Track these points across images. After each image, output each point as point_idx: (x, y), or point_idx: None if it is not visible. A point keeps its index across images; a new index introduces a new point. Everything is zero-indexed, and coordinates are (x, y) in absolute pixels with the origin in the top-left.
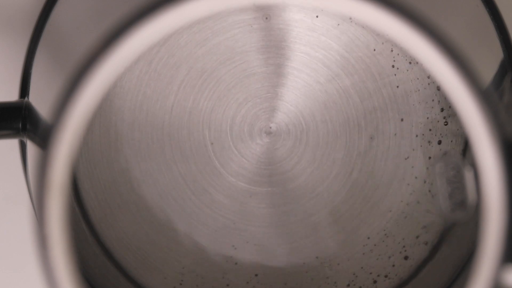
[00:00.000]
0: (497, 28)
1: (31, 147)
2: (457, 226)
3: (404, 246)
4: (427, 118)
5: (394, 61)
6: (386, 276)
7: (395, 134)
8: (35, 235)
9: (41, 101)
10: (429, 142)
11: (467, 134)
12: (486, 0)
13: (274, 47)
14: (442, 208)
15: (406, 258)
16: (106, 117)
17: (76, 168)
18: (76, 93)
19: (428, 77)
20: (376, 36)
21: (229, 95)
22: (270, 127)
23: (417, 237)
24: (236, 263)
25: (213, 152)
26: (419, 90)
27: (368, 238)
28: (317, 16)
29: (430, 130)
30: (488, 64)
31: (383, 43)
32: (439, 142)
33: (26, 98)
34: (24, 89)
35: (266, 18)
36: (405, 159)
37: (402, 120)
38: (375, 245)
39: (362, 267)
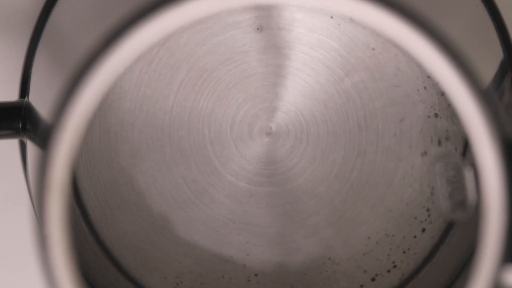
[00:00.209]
0: (497, 28)
1: (31, 147)
2: (457, 226)
3: (404, 246)
4: (427, 118)
5: (394, 61)
6: (386, 276)
7: (395, 134)
8: (35, 235)
9: (41, 101)
10: (429, 142)
11: (467, 134)
12: (486, 0)
13: (274, 47)
14: (442, 208)
15: (406, 258)
16: (106, 117)
17: (76, 168)
18: (76, 93)
19: (428, 77)
20: (376, 36)
21: (229, 95)
22: (270, 127)
23: (417, 237)
24: (236, 263)
25: (213, 152)
26: (419, 90)
27: (368, 238)
28: (331, 17)
29: (430, 130)
30: (488, 64)
31: (383, 43)
32: (439, 142)
33: (26, 98)
34: (24, 89)
35: (258, 28)
36: (405, 159)
37: (402, 120)
38: (375, 245)
39: (362, 267)
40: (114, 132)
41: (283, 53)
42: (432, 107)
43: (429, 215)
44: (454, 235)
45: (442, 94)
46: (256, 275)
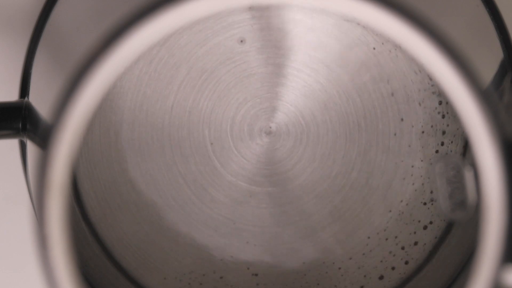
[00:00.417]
0: (497, 28)
1: (31, 147)
2: (457, 226)
3: (404, 246)
4: (427, 118)
5: (394, 61)
6: (386, 276)
7: (395, 134)
8: (35, 235)
9: (41, 101)
10: (429, 142)
11: (467, 134)
12: (486, 0)
13: (274, 47)
14: (442, 208)
15: (406, 258)
16: (106, 117)
17: (76, 168)
18: (76, 93)
19: (429, 77)
20: (376, 36)
21: (229, 95)
22: (270, 127)
23: (417, 237)
24: (236, 263)
25: (213, 152)
26: (419, 90)
27: (368, 238)
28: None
29: (430, 130)
30: (488, 64)
31: (383, 43)
32: (439, 142)
33: (26, 98)
34: (24, 89)
35: (241, 41)
36: (405, 159)
37: (402, 120)
38: (375, 245)
39: (362, 267)
40: (114, 132)
41: (283, 53)
42: (432, 107)
43: (429, 215)
44: (454, 235)
45: (442, 94)
46: (256, 275)
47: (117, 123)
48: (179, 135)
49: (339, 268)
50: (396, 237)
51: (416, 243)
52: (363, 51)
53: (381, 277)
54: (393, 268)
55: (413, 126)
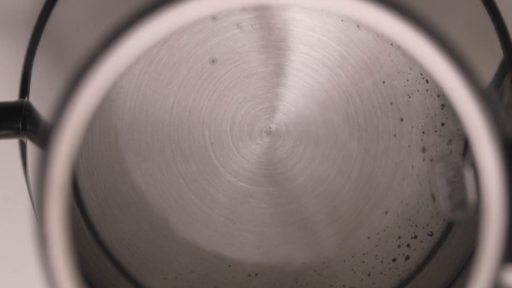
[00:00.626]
0: (497, 28)
1: (31, 147)
2: (457, 226)
3: (404, 246)
4: (427, 118)
5: (394, 61)
6: (386, 276)
7: (395, 135)
8: (35, 235)
9: (41, 101)
10: (429, 142)
11: (467, 134)
12: (486, 0)
13: (274, 47)
14: (442, 208)
15: (406, 258)
16: (106, 117)
17: (76, 168)
18: (76, 93)
19: (429, 77)
20: (376, 36)
21: (229, 95)
22: (270, 127)
23: (417, 237)
24: (235, 263)
25: (213, 152)
26: (419, 90)
27: (368, 238)
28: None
29: (430, 130)
30: (488, 64)
31: (383, 43)
32: (439, 142)
33: (26, 98)
34: (24, 89)
35: (213, 61)
36: (405, 159)
37: (402, 120)
38: (375, 245)
39: (362, 267)
40: (114, 132)
41: (283, 53)
42: (432, 107)
43: (429, 215)
44: (454, 235)
45: (442, 94)
46: (256, 275)
47: (117, 123)
48: (179, 135)
49: (339, 268)
50: (396, 237)
51: (416, 243)
52: (363, 51)
53: (381, 277)
54: (393, 268)
55: (413, 126)
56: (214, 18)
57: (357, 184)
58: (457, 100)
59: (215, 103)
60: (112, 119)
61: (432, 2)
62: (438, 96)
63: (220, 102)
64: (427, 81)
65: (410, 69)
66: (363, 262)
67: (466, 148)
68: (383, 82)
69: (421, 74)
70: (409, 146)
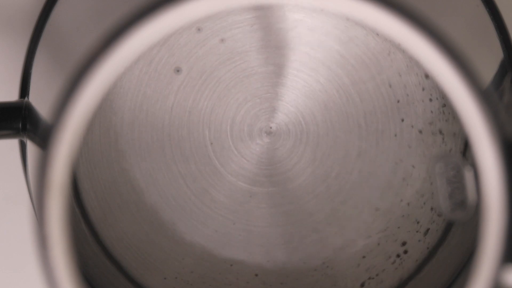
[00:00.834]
0: (497, 28)
1: (31, 147)
2: (457, 226)
3: (404, 246)
4: (427, 118)
5: (394, 61)
6: (386, 276)
7: (395, 135)
8: (35, 235)
9: (41, 101)
10: (429, 142)
11: (467, 134)
12: (486, 0)
13: (274, 47)
14: (442, 208)
15: (406, 258)
16: (106, 117)
17: (76, 168)
18: (76, 93)
19: (429, 77)
20: (376, 36)
21: (229, 95)
22: (270, 127)
23: (417, 237)
24: (236, 263)
25: (213, 152)
26: (419, 90)
27: (368, 238)
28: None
29: (430, 130)
30: (488, 64)
31: (383, 43)
32: (439, 142)
33: (26, 98)
34: (24, 89)
35: (178, 71)
36: (405, 159)
37: (402, 120)
38: (375, 245)
39: (362, 267)
40: (114, 132)
41: (283, 53)
42: (432, 107)
43: (429, 215)
44: (454, 235)
45: (442, 94)
46: (256, 275)
47: (117, 123)
48: (179, 135)
49: (339, 268)
50: (396, 237)
51: (416, 243)
52: (363, 51)
53: (381, 277)
54: (393, 268)
55: (413, 126)
56: (199, 29)
57: (357, 184)
58: (457, 100)
59: (215, 103)
60: (112, 119)
61: (432, 2)
62: (438, 96)
63: (220, 102)
64: (427, 81)
65: (411, 68)
66: (363, 262)
67: (466, 148)
68: (383, 82)
69: (422, 73)
70: (409, 146)
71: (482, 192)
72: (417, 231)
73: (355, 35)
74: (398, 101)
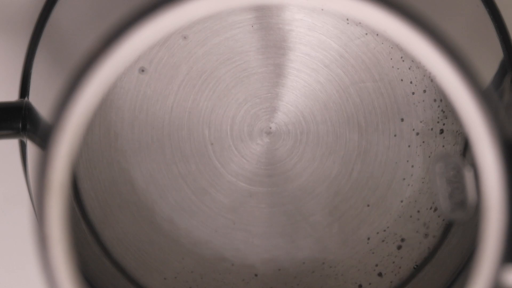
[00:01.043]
0: (497, 28)
1: (31, 147)
2: (457, 226)
3: (404, 246)
4: (427, 118)
5: (394, 61)
6: (386, 276)
7: (395, 135)
8: (35, 235)
9: (41, 101)
10: (429, 142)
11: (467, 134)
12: (486, 0)
13: (274, 47)
14: (442, 208)
15: (406, 258)
16: (106, 117)
17: (76, 168)
18: (76, 93)
19: (429, 77)
20: (376, 36)
21: (229, 95)
22: (270, 127)
23: (417, 237)
24: (236, 263)
25: (213, 152)
26: (419, 90)
27: (368, 238)
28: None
29: (430, 130)
30: (488, 64)
31: (383, 43)
32: (439, 142)
33: (26, 98)
34: (24, 89)
35: (143, 71)
36: (405, 159)
37: (402, 120)
38: (375, 245)
39: (362, 267)
40: (114, 132)
41: (283, 53)
42: (432, 107)
43: (429, 215)
44: (454, 235)
45: (442, 94)
46: (256, 275)
47: (117, 123)
48: (179, 135)
49: (339, 268)
50: (396, 237)
51: (416, 243)
52: (363, 51)
53: (381, 277)
54: (393, 268)
55: (413, 126)
56: (184, 37)
57: (357, 184)
58: (457, 100)
59: (215, 103)
60: (112, 119)
61: (432, 2)
62: (438, 96)
63: (220, 102)
64: (427, 81)
65: (411, 68)
66: (363, 262)
67: (466, 148)
68: (383, 82)
69: (422, 73)
70: (409, 146)
71: (482, 192)
72: (417, 231)
73: (355, 35)
74: (398, 101)
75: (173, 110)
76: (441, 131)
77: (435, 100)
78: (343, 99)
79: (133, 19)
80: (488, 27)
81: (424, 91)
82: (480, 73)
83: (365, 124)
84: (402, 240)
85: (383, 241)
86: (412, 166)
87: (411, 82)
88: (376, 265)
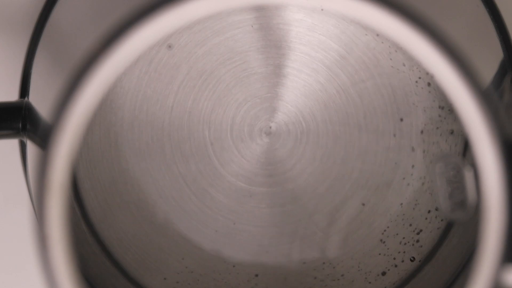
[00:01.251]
0: (497, 28)
1: (31, 147)
2: (457, 226)
3: (403, 246)
4: (427, 118)
5: (394, 61)
6: (386, 276)
7: (395, 135)
8: (35, 235)
9: (41, 101)
10: (429, 142)
11: (467, 134)
12: (486, 0)
13: (274, 47)
14: (442, 208)
15: (406, 258)
16: (106, 117)
17: (76, 168)
18: (76, 93)
19: (428, 77)
20: (376, 36)
21: (229, 95)
22: (270, 127)
23: (417, 237)
24: (236, 263)
25: (213, 152)
26: (419, 90)
27: (368, 238)
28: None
29: (430, 130)
30: (488, 64)
31: (383, 43)
32: (439, 142)
33: (26, 98)
34: (24, 89)
35: (170, 46)
36: (405, 159)
37: (402, 120)
38: (375, 245)
39: (362, 267)
40: (114, 132)
41: (283, 53)
42: (432, 107)
43: (429, 215)
44: (454, 235)
45: (442, 94)
46: (256, 275)
47: (117, 123)
48: (179, 135)
49: (339, 268)
50: (396, 237)
51: (416, 243)
52: (363, 51)
53: (381, 277)
54: (393, 268)
55: (413, 126)
56: (169, 46)
57: (357, 184)
58: (457, 100)
59: (215, 103)
60: (112, 119)
61: (432, 2)
62: (438, 96)
63: (220, 102)
64: (427, 81)
65: (411, 68)
66: (363, 262)
67: (466, 148)
68: (383, 82)
69: (422, 73)
70: (409, 146)
71: (482, 192)
72: (416, 231)
73: (355, 35)
74: (398, 101)
75: (173, 110)
76: (441, 131)
77: (434, 100)
78: (343, 99)
79: (133, 19)
80: (488, 27)
81: (424, 91)
82: (480, 73)
83: (365, 124)
84: (402, 240)
85: (383, 241)
86: (412, 166)
87: (411, 82)
88: (376, 265)
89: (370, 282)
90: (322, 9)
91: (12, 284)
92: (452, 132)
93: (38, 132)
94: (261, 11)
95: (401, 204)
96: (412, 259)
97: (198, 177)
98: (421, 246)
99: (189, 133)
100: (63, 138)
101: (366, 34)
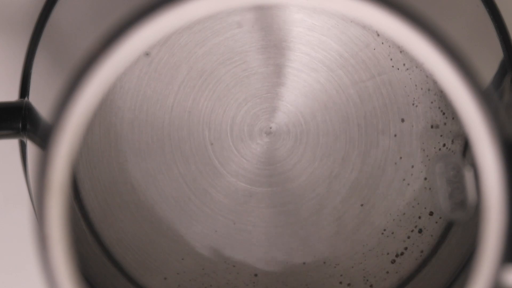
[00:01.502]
0: (497, 28)
1: (31, 147)
2: (457, 226)
3: (403, 246)
4: (427, 118)
5: (394, 61)
6: (386, 276)
7: (395, 135)
8: (35, 235)
9: (41, 101)
10: (429, 142)
11: (467, 134)
12: (486, 0)
13: (274, 47)
14: (442, 208)
15: (406, 257)
16: (106, 117)
17: (76, 168)
18: (76, 93)
19: (428, 77)
20: (376, 36)
21: (229, 95)
22: (270, 127)
23: (417, 237)
24: (236, 263)
25: (213, 152)
26: (419, 90)
27: (368, 238)
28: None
29: (430, 130)
30: (488, 64)
31: (383, 43)
32: (439, 142)
33: (26, 98)
34: (24, 89)
35: (147, 54)
36: (405, 159)
37: (402, 120)
38: (375, 245)
39: (362, 267)
40: (114, 132)
41: (283, 53)
42: (432, 107)
43: (429, 215)
44: (454, 235)
45: (442, 94)
46: (256, 275)
47: (117, 123)
48: (179, 135)
49: (339, 268)
50: (396, 237)
51: (415, 243)
52: (363, 51)
53: (381, 277)
54: (393, 268)
55: (413, 126)
56: (147, 54)
57: (357, 184)
58: (457, 100)
59: (215, 103)
60: (112, 119)
61: (432, 2)
62: (438, 96)
63: (220, 102)
64: (427, 81)
65: (411, 69)
66: (364, 262)
67: (466, 148)
68: (383, 82)
69: (422, 73)
70: (409, 146)
71: (482, 192)
72: (417, 231)
73: (355, 35)
74: (398, 101)
75: (173, 110)
76: (441, 131)
77: (435, 101)
78: (343, 99)
79: (133, 19)
80: (488, 27)
81: (424, 91)
82: (480, 73)
83: (365, 124)
84: (402, 239)
85: (383, 241)
86: (412, 166)
87: (411, 82)
88: (376, 265)
89: (370, 282)
90: (322, 9)
91: (12, 284)
92: (452, 132)
93: (38, 132)
94: (261, 11)
95: (401, 204)
96: (412, 259)
97: (198, 177)
98: (421, 246)
99: (189, 133)
100: (63, 138)
101: (366, 34)
